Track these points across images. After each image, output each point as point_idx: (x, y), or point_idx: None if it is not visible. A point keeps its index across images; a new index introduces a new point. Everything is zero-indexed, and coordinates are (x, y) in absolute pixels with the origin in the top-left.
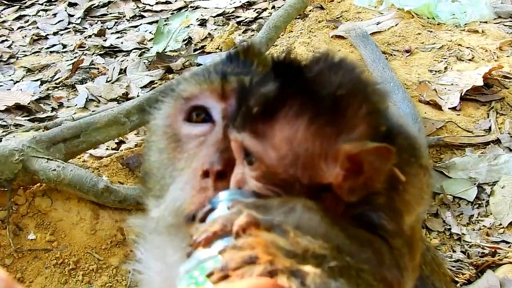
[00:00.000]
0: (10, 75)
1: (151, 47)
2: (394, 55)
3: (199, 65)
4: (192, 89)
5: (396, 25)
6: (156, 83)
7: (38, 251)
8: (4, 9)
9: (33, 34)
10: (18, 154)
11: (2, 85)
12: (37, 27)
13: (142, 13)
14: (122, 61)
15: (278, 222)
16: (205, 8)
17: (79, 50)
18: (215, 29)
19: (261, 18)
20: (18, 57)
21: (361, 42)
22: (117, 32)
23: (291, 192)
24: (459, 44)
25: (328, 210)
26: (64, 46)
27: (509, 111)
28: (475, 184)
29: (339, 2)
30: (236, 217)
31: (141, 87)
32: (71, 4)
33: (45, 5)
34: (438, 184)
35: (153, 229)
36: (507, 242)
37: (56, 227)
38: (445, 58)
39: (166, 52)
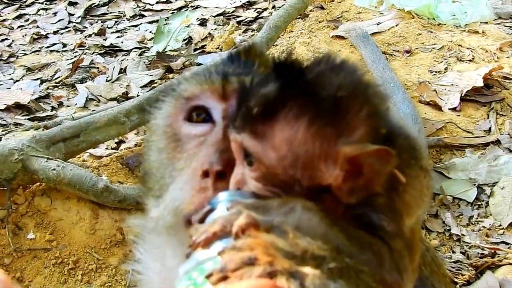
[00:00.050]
0: (10, 74)
1: (151, 47)
2: (394, 55)
3: (199, 64)
4: (193, 89)
5: (396, 25)
6: (156, 82)
7: (37, 250)
8: (4, 7)
9: (33, 33)
10: (17, 154)
11: (2, 84)
12: (37, 26)
13: (142, 12)
14: (122, 60)
15: (277, 223)
16: (205, 7)
17: (79, 49)
18: (215, 29)
19: (262, 18)
20: (18, 56)
21: (362, 42)
22: (117, 32)
23: (291, 193)
24: (459, 45)
25: (328, 211)
26: (64, 45)
27: (509, 112)
28: (475, 185)
29: (340, 2)
30: (236, 218)
31: (141, 87)
32: (71, 3)
33: (45, 4)
34: (438, 184)
35: (152, 229)
36: (507, 243)
37: (55, 226)
38: (445, 59)
39: (166, 51)
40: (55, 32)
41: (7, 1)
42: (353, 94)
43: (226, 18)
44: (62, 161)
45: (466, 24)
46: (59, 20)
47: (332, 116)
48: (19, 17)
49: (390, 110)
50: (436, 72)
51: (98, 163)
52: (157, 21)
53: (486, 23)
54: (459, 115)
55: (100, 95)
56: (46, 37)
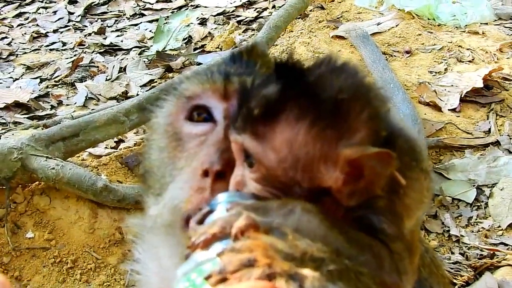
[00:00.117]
0: (9, 73)
1: (151, 46)
2: (394, 56)
3: (199, 64)
4: (194, 88)
5: (396, 26)
6: (156, 82)
7: (36, 249)
8: (4, 6)
9: (33, 32)
10: (17, 152)
11: (1, 83)
12: (37, 25)
13: (142, 11)
14: (122, 59)
15: (277, 224)
16: (205, 7)
17: (79, 48)
18: (215, 28)
19: (262, 17)
20: (17, 54)
21: (361, 43)
22: (117, 30)
23: (291, 195)
24: (459, 46)
25: (328, 213)
26: (64, 44)
27: (509, 113)
28: (474, 186)
29: (340, 2)
30: (235, 219)
31: (140, 86)
32: (71, 2)
33: (45, 2)
34: (437, 185)
35: (150, 227)
36: (506, 244)
37: (54, 225)
38: (445, 60)
39: (166, 50)
40: (55, 31)
41: (7, 0)
42: (354, 96)
43: (226, 17)
44: (61, 160)
45: (466, 25)
46: (59, 19)
47: (333, 119)
48: (19, 15)
49: (390, 111)
50: (436, 72)
51: (97, 162)
52: (157, 20)
53: (486, 24)
54: (459, 116)
55: (100, 94)
56: (46, 35)
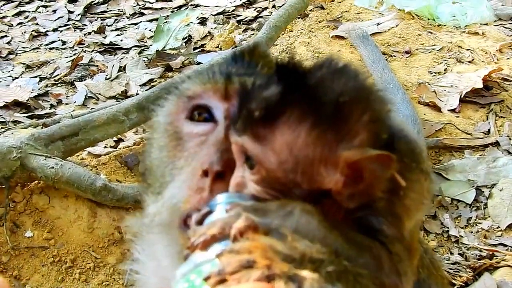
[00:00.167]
0: (9, 71)
1: (151, 45)
2: (394, 56)
3: (198, 63)
4: (195, 88)
5: (396, 26)
6: (156, 81)
7: (35, 248)
8: (3, 4)
9: (33, 30)
10: (16, 151)
11: (0, 81)
12: (37, 23)
13: (142, 10)
14: (122, 58)
15: (276, 225)
16: (205, 6)
17: (79, 47)
18: (215, 28)
19: (261, 17)
20: (17, 53)
21: (361, 43)
22: (116, 30)
23: (291, 197)
24: (459, 46)
25: (327, 214)
26: (64, 42)
27: (508, 113)
28: (473, 186)
29: (340, 2)
30: (235, 220)
31: (140, 85)
32: (71, 1)
33: (45, 1)
34: (437, 186)
35: (147, 225)
36: (505, 245)
37: (53, 225)
38: (445, 60)
39: (165, 50)
40: (54, 30)
41: None
42: (355, 99)
43: (226, 17)
44: (60, 160)
45: (466, 26)
46: (58, 18)
47: (334, 121)
48: (18, 14)
49: (391, 112)
50: (435, 73)
51: (96, 161)
52: (157, 19)
53: (486, 24)
54: (458, 117)
55: (99, 93)
56: (45, 34)
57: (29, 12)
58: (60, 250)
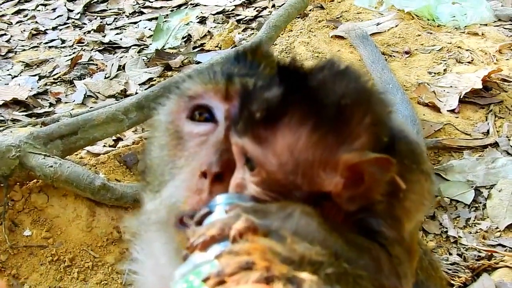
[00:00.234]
0: (8, 70)
1: (150, 44)
2: (394, 56)
3: (198, 63)
4: (196, 87)
5: (396, 26)
6: (155, 80)
7: (33, 247)
8: (3, 2)
9: (32, 29)
10: (15, 150)
11: (0, 80)
12: (36, 22)
13: (141, 9)
14: (121, 57)
15: (275, 227)
16: (205, 5)
17: (78, 46)
18: (214, 27)
19: (261, 16)
20: (16, 51)
21: (361, 43)
22: (116, 28)
23: (291, 199)
24: (458, 47)
25: (327, 216)
26: (63, 41)
27: (508, 114)
28: (472, 187)
29: (340, 2)
30: (234, 221)
31: (139, 84)
32: None
33: None
34: (436, 186)
35: (145, 223)
36: (504, 246)
37: (52, 223)
38: (445, 60)
39: (165, 49)
40: (54, 28)
41: None
42: (356, 102)
43: (226, 16)
44: (59, 158)
45: (465, 26)
46: (58, 16)
47: (335, 124)
48: (18, 12)
49: (392, 114)
50: (435, 73)
51: (95, 160)
52: (156, 18)
53: (486, 25)
54: (458, 117)
55: (99, 92)
56: (44, 33)
57: (29, 10)
58: (58, 249)
